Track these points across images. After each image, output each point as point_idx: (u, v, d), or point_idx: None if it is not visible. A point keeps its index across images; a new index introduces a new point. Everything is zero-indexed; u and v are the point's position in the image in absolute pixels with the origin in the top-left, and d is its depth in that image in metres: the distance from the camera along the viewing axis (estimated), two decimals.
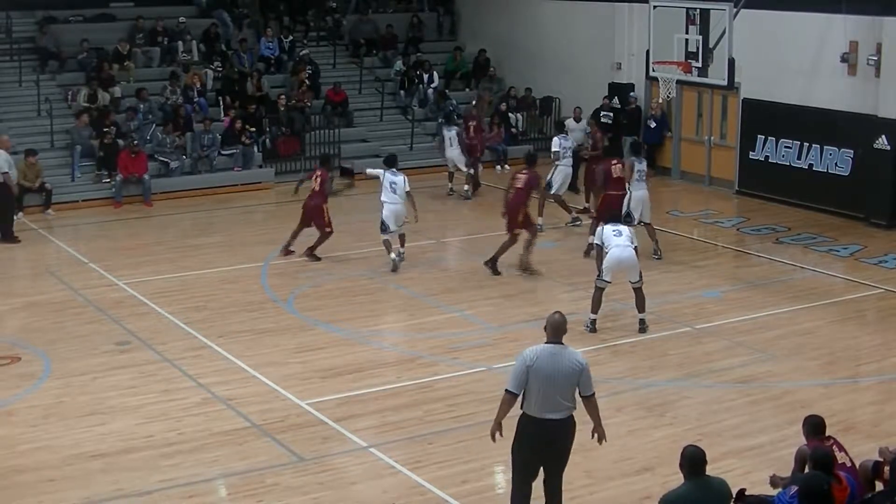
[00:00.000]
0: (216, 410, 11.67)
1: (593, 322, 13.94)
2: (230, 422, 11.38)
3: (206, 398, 11.99)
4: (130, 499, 9.79)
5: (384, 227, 16.75)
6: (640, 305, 13.99)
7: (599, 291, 13.87)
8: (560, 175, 19.25)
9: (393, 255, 16.75)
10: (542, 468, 8.73)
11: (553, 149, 19.40)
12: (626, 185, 16.80)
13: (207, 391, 12.18)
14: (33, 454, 10.67)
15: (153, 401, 11.92)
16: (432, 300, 15.41)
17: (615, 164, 17.22)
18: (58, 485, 10.04)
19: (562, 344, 8.54)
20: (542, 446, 8.58)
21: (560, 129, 20.70)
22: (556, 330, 8.56)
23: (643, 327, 13.98)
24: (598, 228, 14.43)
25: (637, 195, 16.77)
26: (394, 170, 17.04)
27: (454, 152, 22.14)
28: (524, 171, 16.75)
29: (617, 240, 13.69)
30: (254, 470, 10.28)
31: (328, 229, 17.20)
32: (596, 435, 8.75)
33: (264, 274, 16.74)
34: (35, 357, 13.25)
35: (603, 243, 13.80)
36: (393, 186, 16.75)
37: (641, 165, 17.00)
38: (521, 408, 8.56)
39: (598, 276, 13.84)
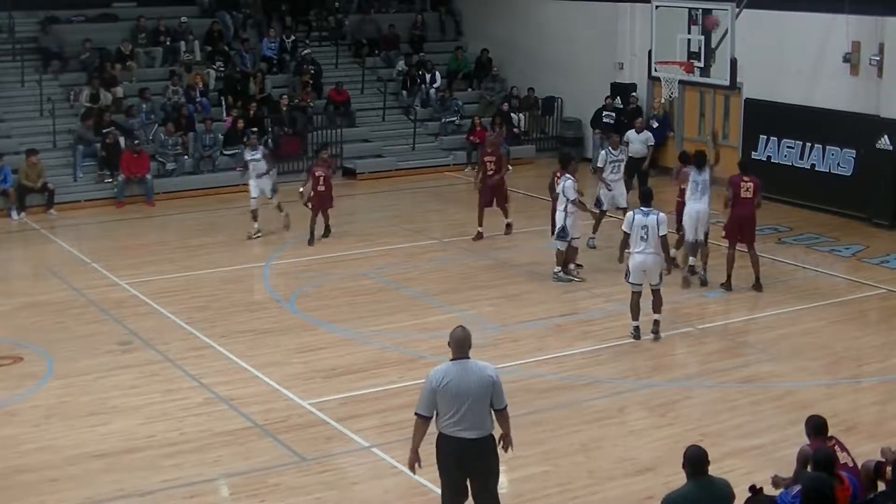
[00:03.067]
0: (218, 410, 11.67)
1: (637, 329, 13.65)
2: (232, 422, 11.38)
3: (208, 398, 11.99)
4: (132, 499, 9.79)
5: (564, 234, 15.74)
6: (657, 306, 13.68)
7: (635, 296, 13.55)
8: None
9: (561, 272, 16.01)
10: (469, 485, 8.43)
11: (598, 164, 18.13)
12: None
13: (209, 391, 12.18)
14: (35, 454, 10.67)
15: (155, 401, 11.92)
16: (433, 300, 15.40)
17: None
18: (60, 485, 10.05)
19: (468, 358, 8.22)
20: (462, 464, 8.30)
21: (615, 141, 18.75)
22: (459, 345, 8.22)
23: (656, 328, 13.67)
24: (629, 214, 13.74)
25: (690, 209, 15.55)
26: (566, 174, 15.89)
27: (265, 181, 18.81)
28: (747, 178, 15.24)
29: (642, 243, 13.31)
30: (256, 470, 10.28)
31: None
32: (503, 443, 8.47)
33: (266, 274, 16.74)
34: (37, 357, 13.25)
35: (630, 233, 13.35)
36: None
37: (700, 177, 15.50)
38: (437, 427, 8.31)
39: (626, 277, 13.60)
